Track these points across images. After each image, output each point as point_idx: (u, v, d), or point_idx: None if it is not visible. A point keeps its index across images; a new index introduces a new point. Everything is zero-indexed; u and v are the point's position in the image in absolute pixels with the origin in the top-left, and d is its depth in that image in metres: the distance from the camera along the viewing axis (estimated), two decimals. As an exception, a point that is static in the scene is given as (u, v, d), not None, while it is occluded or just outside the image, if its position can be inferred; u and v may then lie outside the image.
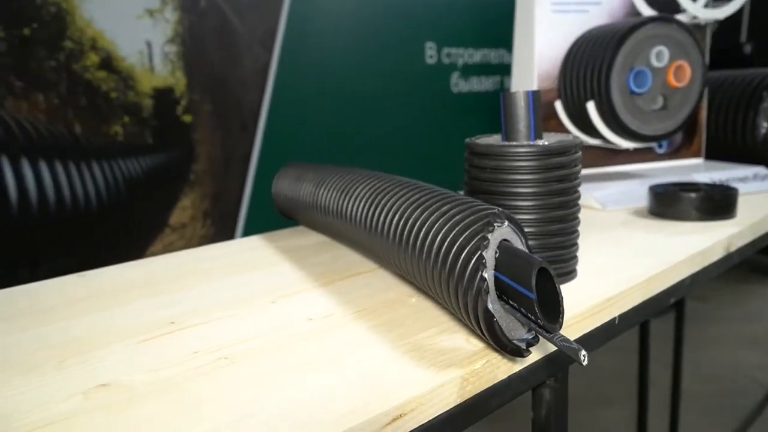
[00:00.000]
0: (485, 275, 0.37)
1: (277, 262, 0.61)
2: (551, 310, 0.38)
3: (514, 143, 0.50)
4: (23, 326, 0.47)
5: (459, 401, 0.36)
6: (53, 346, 0.43)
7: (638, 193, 0.80)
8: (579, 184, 0.52)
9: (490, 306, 0.37)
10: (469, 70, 2.65)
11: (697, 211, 0.71)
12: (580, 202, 0.79)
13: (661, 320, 2.82)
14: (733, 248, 0.66)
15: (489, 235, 0.39)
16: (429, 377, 0.36)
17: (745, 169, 0.89)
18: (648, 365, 1.50)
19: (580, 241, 0.53)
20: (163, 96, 1.77)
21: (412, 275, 0.47)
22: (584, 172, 0.92)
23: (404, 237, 0.46)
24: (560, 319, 0.37)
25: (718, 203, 0.71)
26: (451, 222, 0.42)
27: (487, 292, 0.37)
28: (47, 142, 1.52)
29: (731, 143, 0.98)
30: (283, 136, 2.02)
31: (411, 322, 0.44)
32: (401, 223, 0.47)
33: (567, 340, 0.36)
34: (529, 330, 0.40)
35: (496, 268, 0.39)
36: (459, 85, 2.63)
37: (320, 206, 0.62)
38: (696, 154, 1.00)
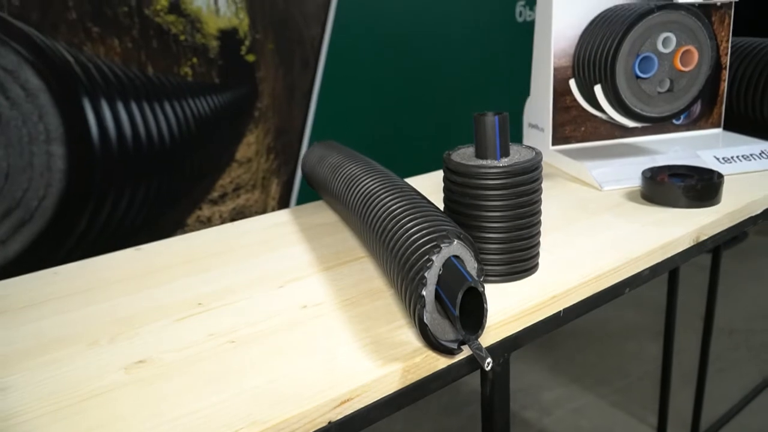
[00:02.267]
0: (423, 293, 0.48)
1: (294, 242, 0.73)
2: (477, 320, 0.48)
3: (481, 162, 0.58)
4: (90, 302, 0.61)
5: (400, 387, 0.48)
6: (109, 322, 0.57)
7: (637, 172, 0.86)
8: (539, 196, 0.60)
9: (425, 317, 0.47)
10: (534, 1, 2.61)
11: (683, 198, 0.77)
12: (583, 178, 0.87)
13: (733, 252, 2.82)
14: (704, 238, 0.72)
15: (434, 257, 0.49)
16: (376, 368, 0.47)
17: (755, 146, 0.93)
18: (676, 298, 1.56)
19: (563, 226, 0.63)
20: (228, 37, 1.87)
21: (387, 275, 0.58)
22: (599, 144, 0.99)
23: (381, 242, 0.56)
24: (480, 331, 0.47)
25: (700, 192, 0.77)
26: (410, 239, 0.52)
27: (423, 306, 0.47)
28: (123, 84, 1.67)
29: (751, 115, 1.00)
30: (343, 71, 2.10)
31: (380, 315, 0.55)
32: (380, 230, 0.57)
33: (480, 348, 0.46)
34: (464, 332, 0.50)
35: (438, 283, 0.49)
36: (524, 14, 2.60)
37: (332, 192, 0.73)
38: (715, 125, 1.03)
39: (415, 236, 0.51)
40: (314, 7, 2.02)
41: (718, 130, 1.03)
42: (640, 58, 0.85)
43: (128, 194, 1.70)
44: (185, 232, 0.77)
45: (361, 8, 2.09)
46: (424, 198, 0.59)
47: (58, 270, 0.69)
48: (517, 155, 0.60)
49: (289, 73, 2.01)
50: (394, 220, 0.56)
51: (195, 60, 1.82)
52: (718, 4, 0.91)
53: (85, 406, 0.45)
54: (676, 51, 0.85)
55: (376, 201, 0.61)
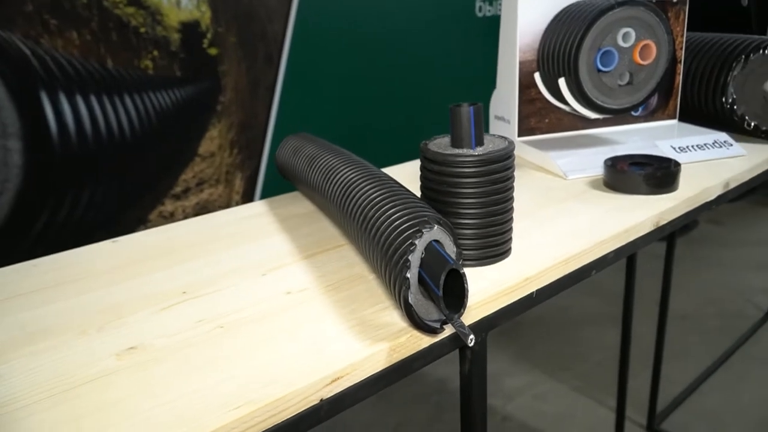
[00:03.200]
0: (408, 275, 0.50)
1: (273, 233, 0.74)
2: (459, 300, 0.50)
3: (457, 151, 0.61)
4: (73, 292, 0.62)
5: (387, 365, 0.50)
6: (96, 312, 0.57)
7: (600, 161, 0.90)
8: (511, 184, 0.63)
9: (410, 299, 0.50)
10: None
11: (643, 186, 0.81)
12: (548, 167, 0.90)
13: (685, 240, 2.92)
14: (663, 222, 0.76)
15: (417, 241, 0.51)
16: (363, 348, 0.49)
17: (709, 135, 0.98)
18: (633, 286, 1.62)
19: (532, 213, 0.70)
20: (190, 29, 1.86)
21: (369, 261, 0.60)
22: (562, 135, 1.02)
23: (363, 230, 0.58)
24: (462, 309, 0.50)
25: (659, 180, 0.81)
26: (392, 226, 0.54)
27: (408, 288, 0.50)
28: (82, 77, 1.64)
29: (704, 107, 1.06)
30: (306, 67, 2.10)
31: (364, 298, 0.57)
32: (361, 218, 0.59)
33: (462, 326, 0.49)
34: (445, 313, 0.53)
35: (421, 266, 0.51)
36: (483, 9, 2.64)
37: (309, 183, 0.75)
38: (671, 116, 1.08)
39: (397, 222, 0.54)
40: (277, 1, 2.02)
41: (674, 121, 1.08)
42: (601, 52, 0.88)
43: (89, 190, 1.68)
44: (147, 227, 0.78)
45: (324, 2, 2.10)
46: (402, 186, 0.61)
47: (37, 262, 0.69)
48: (490, 144, 0.62)
49: (252, 67, 2.00)
50: (375, 208, 0.58)
51: (156, 53, 1.80)
52: (674, 0, 0.96)
53: (80, 391, 0.46)
54: (635, 45, 0.89)
55: (356, 190, 0.62)
